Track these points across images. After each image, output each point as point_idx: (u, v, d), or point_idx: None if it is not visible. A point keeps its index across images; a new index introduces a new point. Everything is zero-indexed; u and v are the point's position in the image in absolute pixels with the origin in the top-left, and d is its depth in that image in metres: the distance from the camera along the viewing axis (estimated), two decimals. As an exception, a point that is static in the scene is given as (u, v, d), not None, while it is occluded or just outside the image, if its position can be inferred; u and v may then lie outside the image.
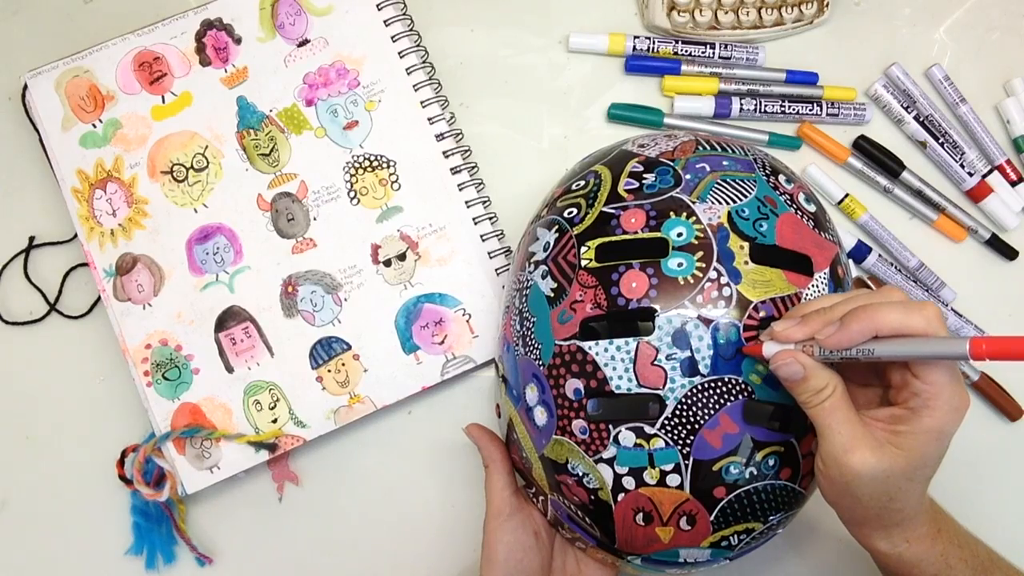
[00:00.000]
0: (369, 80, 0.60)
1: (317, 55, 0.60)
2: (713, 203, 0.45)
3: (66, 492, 0.60)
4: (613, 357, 0.44)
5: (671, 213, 0.45)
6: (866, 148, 0.62)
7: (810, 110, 0.62)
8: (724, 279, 0.43)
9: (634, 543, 0.46)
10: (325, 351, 0.58)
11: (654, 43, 0.63)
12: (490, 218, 0.60)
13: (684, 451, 0.43)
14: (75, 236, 0.60)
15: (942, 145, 0.62)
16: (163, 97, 0.60)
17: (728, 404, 0.43)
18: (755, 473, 0.44)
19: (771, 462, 0.44)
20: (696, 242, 0.44)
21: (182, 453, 0.57)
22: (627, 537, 0.46)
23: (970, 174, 0.62)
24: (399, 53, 0.60)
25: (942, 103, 0.64)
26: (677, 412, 0.43)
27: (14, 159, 0.62)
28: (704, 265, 0.44)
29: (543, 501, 0.50)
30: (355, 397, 0.58)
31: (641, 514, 0.45)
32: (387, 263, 0.59)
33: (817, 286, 0.45)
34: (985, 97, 0.64)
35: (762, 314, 0.43)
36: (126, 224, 0.59)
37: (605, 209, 0.47)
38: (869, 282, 0.62)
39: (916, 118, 0.63)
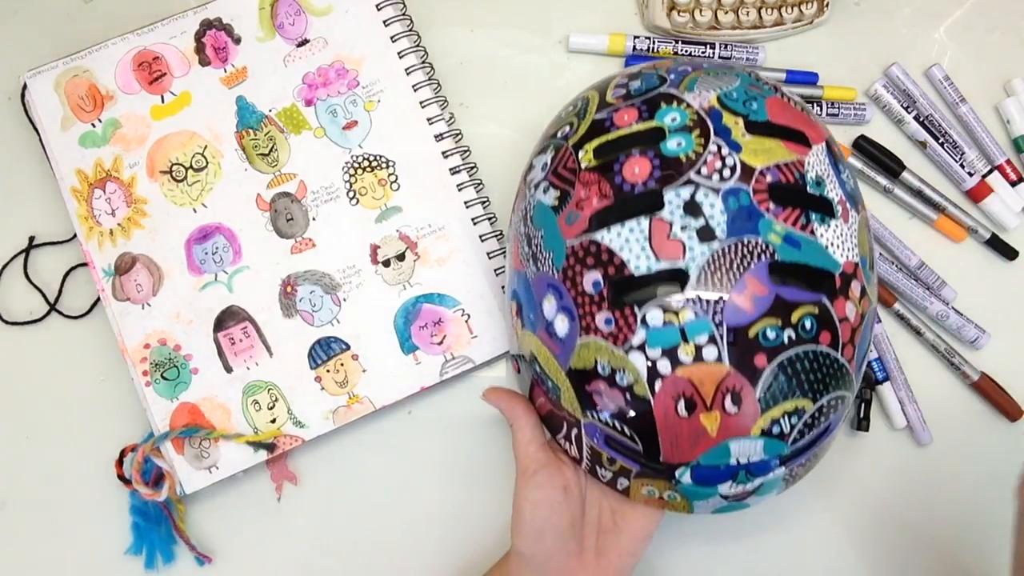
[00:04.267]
0: (368, 80, 0.60)
1: (316, 55, 0.60)
2: (701, 91, 0.46)
3: (65, 492, 0.60)
4: (627, 240, 0.43)
5: (662, 103, 0.46)
6: (866, 148, 0.62)
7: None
8: (725, 150, 0.44)
9: (680, 445, 0.43)
10: (324, 351, 0.58)
11: (654, 43, 0.62)
12: (489, 218, 0.60)
13: (716, 319, 0.42)
14: (75, 236, 0.60)
15: (942, 145, 0.62)
16: (162, 97, 0.60)
17: (752, 266, 0.42)
18: (793, 337, 0.42)
19: (807, 324, 0.42)
20: (691, 123, 0.44)
21: (181, 453, 0.57)
22: (672, 438, 0.43)
23: (970, 174, 0.62)
24: (398, 53, 0.60)
25: (942, 103, 0.64)
26: (702, 280, 0.42)
27: (14, 159, 0.62)
28: (703, 140, 0.44)
29: (577, 437, 0.48)
30: (354, 397, 0.58)
31: (683, 401, 0.42)
32: (386, 263, 0.59)
33: (817, 155, 0.45)
34: (985, 97, 0.64)
35: (769, 179, 0.43)
36: (125, 224, 0.59)
37: (597, 116, 0.47)
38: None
39: (916, 118, 0.62)
